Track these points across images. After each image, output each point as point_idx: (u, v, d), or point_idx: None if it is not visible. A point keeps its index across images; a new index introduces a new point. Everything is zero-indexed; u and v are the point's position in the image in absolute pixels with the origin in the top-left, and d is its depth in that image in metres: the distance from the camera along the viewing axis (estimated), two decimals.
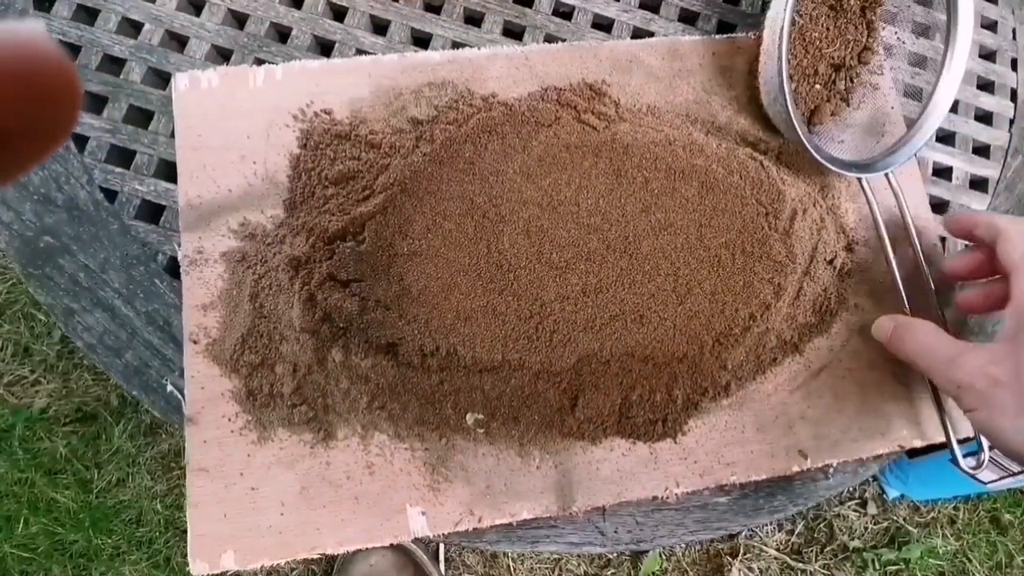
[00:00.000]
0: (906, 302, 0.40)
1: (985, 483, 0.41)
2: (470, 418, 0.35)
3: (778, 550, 0.86)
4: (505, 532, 0.36)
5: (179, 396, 0.35)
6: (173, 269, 0.37)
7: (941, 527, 0.85)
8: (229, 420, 0.35)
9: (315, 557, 0.34)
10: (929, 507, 0.86)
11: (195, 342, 0.35)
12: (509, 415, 0.36)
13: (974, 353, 0.32)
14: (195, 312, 0.36)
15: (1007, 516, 0.86)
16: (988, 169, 0.47)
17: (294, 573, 0.80)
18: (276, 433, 0.35)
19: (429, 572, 0.67)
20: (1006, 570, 0.83)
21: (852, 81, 0.43)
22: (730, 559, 0.84)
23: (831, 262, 0.40)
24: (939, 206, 0.46)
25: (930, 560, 0.82)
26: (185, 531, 0.34)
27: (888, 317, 0.38)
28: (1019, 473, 0.62)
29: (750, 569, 0.82)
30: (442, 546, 0.73)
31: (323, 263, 0.34)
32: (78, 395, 0.79)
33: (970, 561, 0.83)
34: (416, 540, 0.36)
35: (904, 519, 0.85)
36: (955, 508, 0.86)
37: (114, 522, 0.76)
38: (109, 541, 0.75)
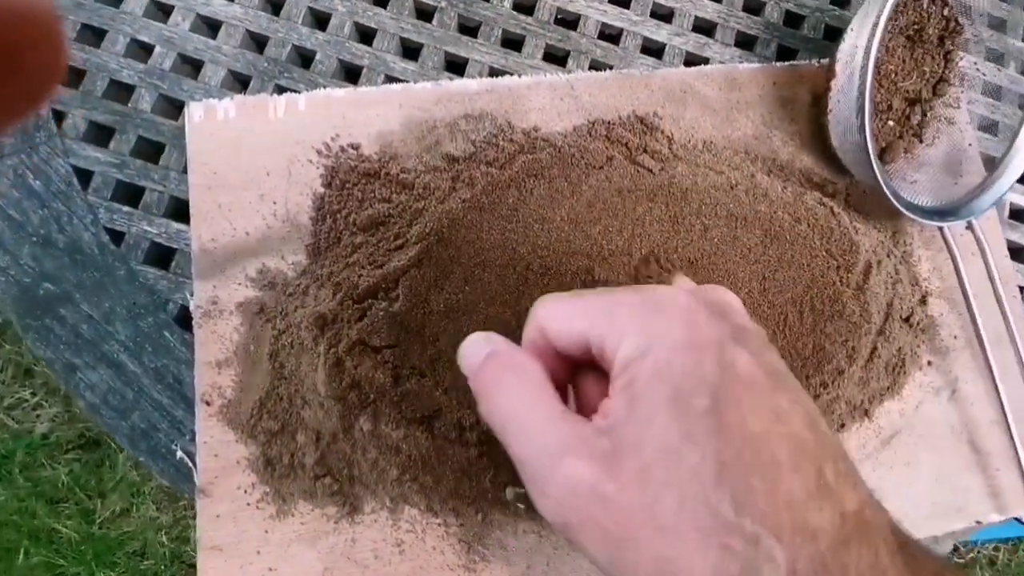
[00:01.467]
0: (991, 359, 0.36)
1: None
2: (510, 492, 0.32)
3: None
4: None
5: (190, 464, 0.32)
6: (184, 320, 0.34)
7: (980, 568, 0.81)
8: (245, 492, 0.32)
9: None
10: (969, 548, 0.82)
11: (208, 403, 0.32)
12: None
13: (586, 457, 0.19)
14: (208, 370, 0.32)
15: None
16: None
17: None
18: (297, 506, 0.32)
19: None
20: None
21: (926, 116, 0.40)
22: None
23: (907, 319, 0.36)
24: (1016, 251, 0.42)
25: None
26: (192, 565, 0.30)
27: (483, 337, 0.23)
28: None
29: None
30: None
31: (353, 325, 0.30)
32: (81, 420, 0.76)
33: None
34: None
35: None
36: (995, 549, 0.82)
37: (117, 554, 0.73)
38: (112, 574, 0.72)
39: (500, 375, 0.22)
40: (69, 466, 0.74)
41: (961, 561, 0.82)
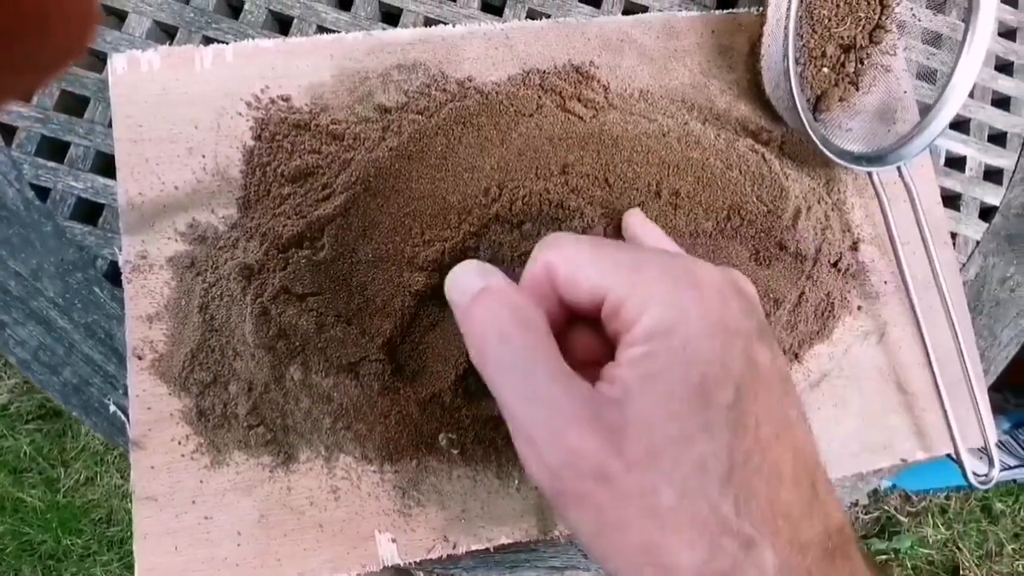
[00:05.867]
0: (916, 305, 0.37)
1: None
2: (442, 438, 0.33)
3: None
4: (482, 558, 0.34)
5: (123, 417, 0.32)
6: (114, 276, 0.34)
7: (932, 516, 0.84)
8: (179, 443, 0.32)
9: None
10: (920, 497, 0.85)
11: (140, 358, 0.32)
12: (486, 435, 0.33)
13: (592, 428, 0.18)
14: (139, 324, 0.32)
15: (998, 505, 0.85)
16: (1004, 159, 0.44)
17: None
18: (232, 456, 0.32)
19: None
20: (996, 559, 0.83)
21: (862, 63, 0.40)
22: None
23: (836, 264, 0.37)
24: (951, 199, 0.43)
25: (920, 550, 0.82)
26: None
27: (477, 267, 0.21)
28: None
29: None
30: None
31: (277, 273, 0.30)
32: (41, 392, 0.75)
33: (960, 551, 0.83)
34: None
35: (895, 509, 0.85)
36: (946, 498, 0.85)
37: (83, 522, 0.73)
38: (79, 541, 0.73)
39: (497, 318, 0.19)
40: (31, 436, 0.74)
41: (913, 509, 0.85)
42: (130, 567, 0.73)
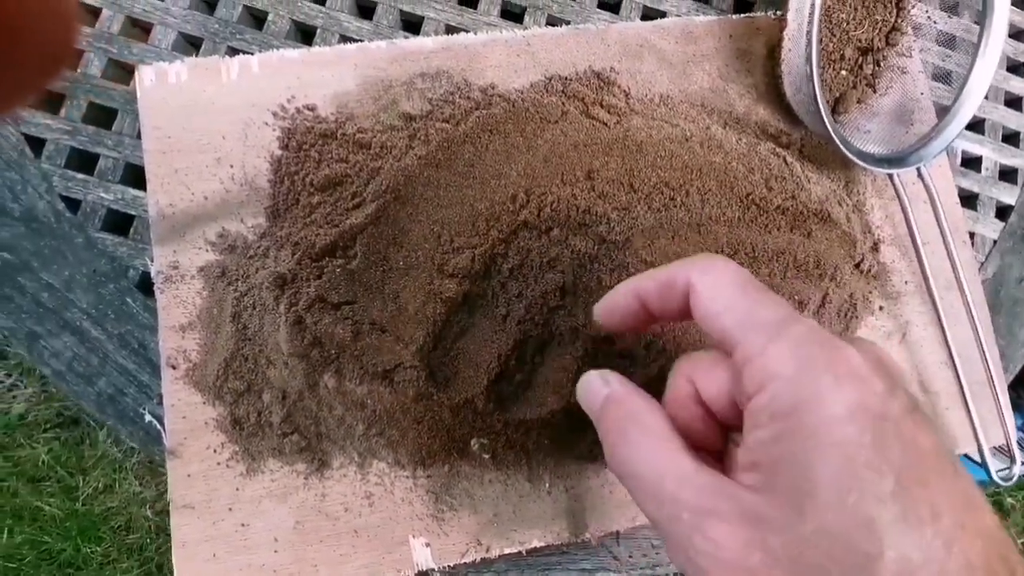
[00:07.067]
0: (939, 305, 0.37)
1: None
2: (475, 443, 0.33)
3: None
4: (514, 561, 0.34)
5: (159, 426, 0.32)
6: (146, 286, 0.34)
7: None
8: (214, 451, 0.32)
9: None
10: None
11: (174, 367, 0.32)
12: (517, 439, 0.33)
13: (729, 519, 0.17)
14: (172, 334, 0.33)
15: (1009, 500, 0.86)
16: (1018, 158, 0.44)
17: None
18: (266, 464, 0.32)
19: None
20: None
21: (879, 65, 0.40)
22: None
23: (858, 265, 0.37)
24: (967, 199, 0.43)
25: None
26: None
27: (599, 377, 0.22)
28: None
29: None
30: None
31: (311, 282, 0.31)
32: (58, 399, 0.76)
33: None
34: None
35: None
36: None
37: (102, 529, 0.73)
38: (98, 549, 0.73)
39: (620, 424, 0.20)
40: (49, 445, 0.74)
41: None
42: (150, 573, 0.73)
